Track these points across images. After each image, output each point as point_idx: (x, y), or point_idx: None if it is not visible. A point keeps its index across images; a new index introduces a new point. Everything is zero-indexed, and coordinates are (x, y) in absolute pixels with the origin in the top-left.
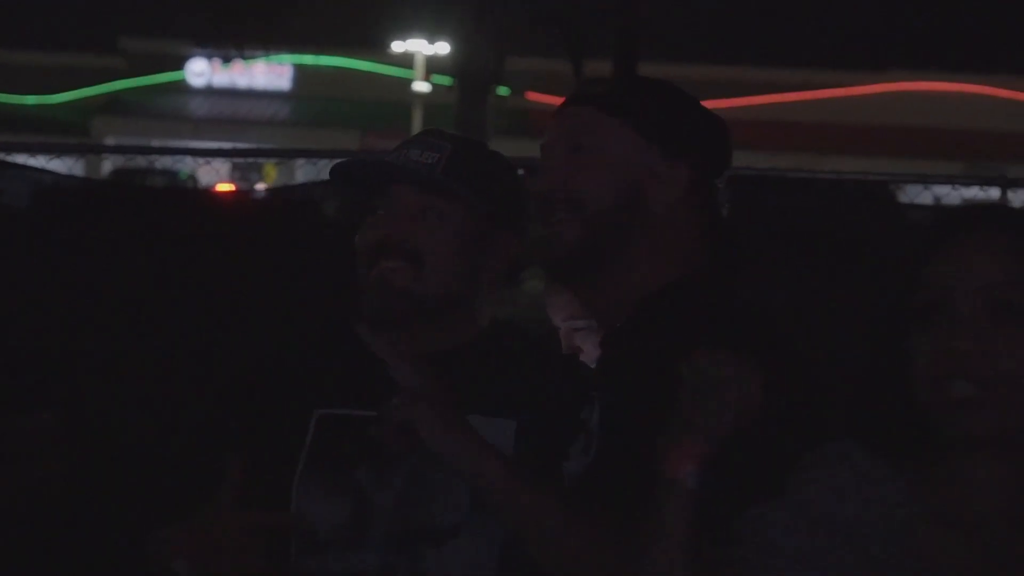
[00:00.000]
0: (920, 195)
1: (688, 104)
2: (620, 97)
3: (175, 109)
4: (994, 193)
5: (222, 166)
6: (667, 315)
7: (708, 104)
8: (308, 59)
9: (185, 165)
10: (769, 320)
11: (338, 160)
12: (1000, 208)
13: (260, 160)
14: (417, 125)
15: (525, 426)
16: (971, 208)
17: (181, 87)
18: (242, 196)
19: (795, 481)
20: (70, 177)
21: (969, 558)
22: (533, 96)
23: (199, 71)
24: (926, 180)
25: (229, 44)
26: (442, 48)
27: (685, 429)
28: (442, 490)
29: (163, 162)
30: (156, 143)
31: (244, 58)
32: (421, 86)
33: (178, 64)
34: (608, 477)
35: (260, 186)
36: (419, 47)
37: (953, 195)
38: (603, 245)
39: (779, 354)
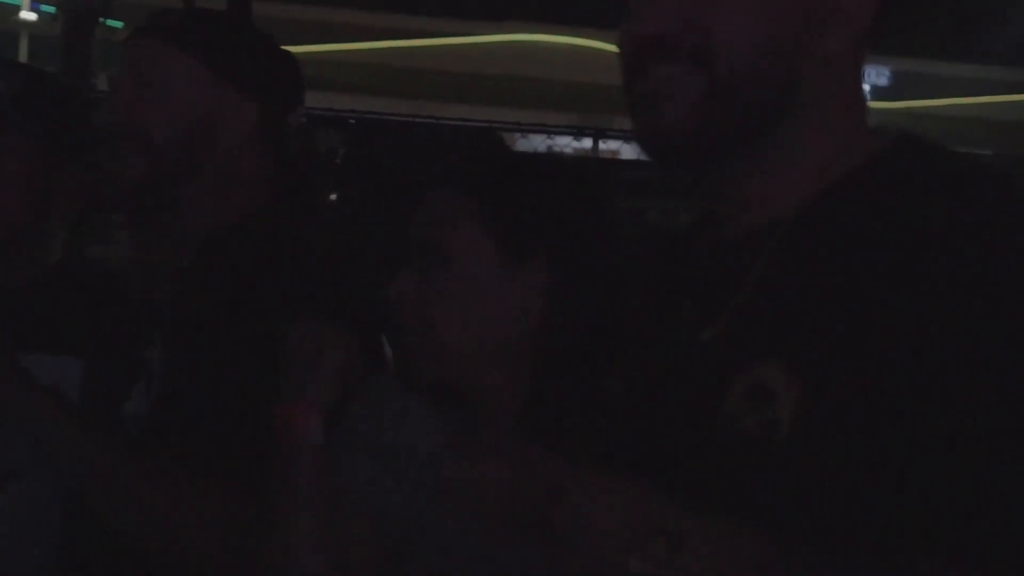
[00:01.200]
0: (542, 144)
1: (258, 41)
2: (188, 30)
3: None
4: (587, 143)
5: None
6: (231, 255)
7: (330, 48)
8: None
9: None
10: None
11: None
12: (462, 163)
13: None
14: (23, 55)
15: (92, 365)
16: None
17: None
18: None
19: (347, 412)
20: None
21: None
22: None
23: None
24: (521, 128)
25: None
26: None
27: (296, 391)
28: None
29: None
30: None
31: None
32: (28, 14)
33: None
34: (167, 419)
35: None
36: None
37: (572, 145)
38: (168, 181)
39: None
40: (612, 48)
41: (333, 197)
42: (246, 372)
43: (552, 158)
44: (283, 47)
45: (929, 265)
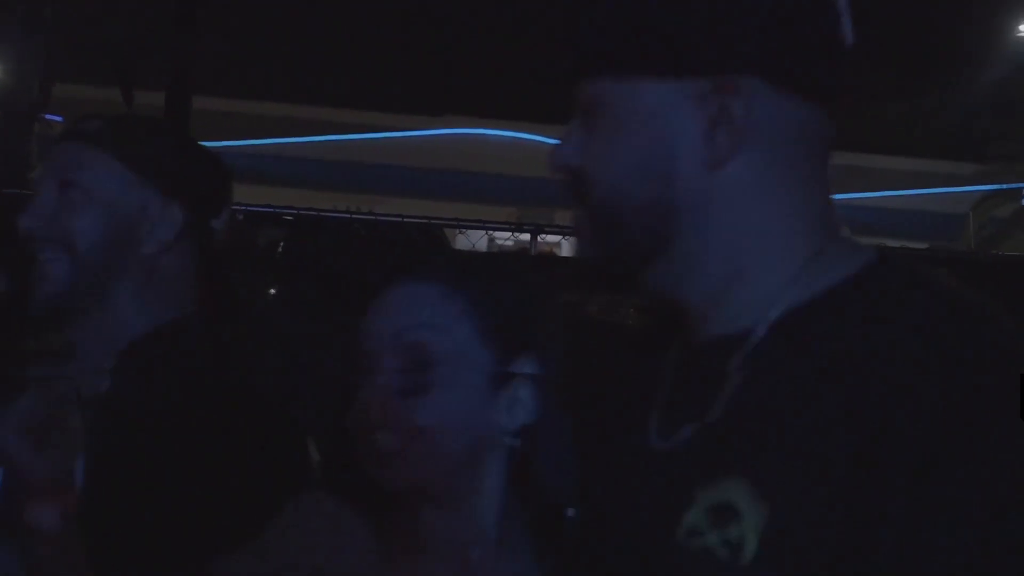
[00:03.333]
0: (480, 239)
1: (186, 145)
2: (114, 135)
3: None
4: (524, 238)
5: None
6: (155, 359)
7: (270, 142)
8: None
9: None
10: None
11: None
12: (423, 260)
13: None
14: None
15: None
16: (405, 261)
17: None
18: None
19: (270, 530)
20: None
21: None
22: None
23: None
24: (460, 224)
25: None
26: None
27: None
28: None
29: None
30: None
31: None
32: None
33: None
34: (89, 525)
35: None
36: None
37: (513, 239)
38: (91, 284)
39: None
40: (549, 142)
41: (272, 292)
42: (169, 478)
43: (511, 256)
44: (213, 145)
45: (902, 398)
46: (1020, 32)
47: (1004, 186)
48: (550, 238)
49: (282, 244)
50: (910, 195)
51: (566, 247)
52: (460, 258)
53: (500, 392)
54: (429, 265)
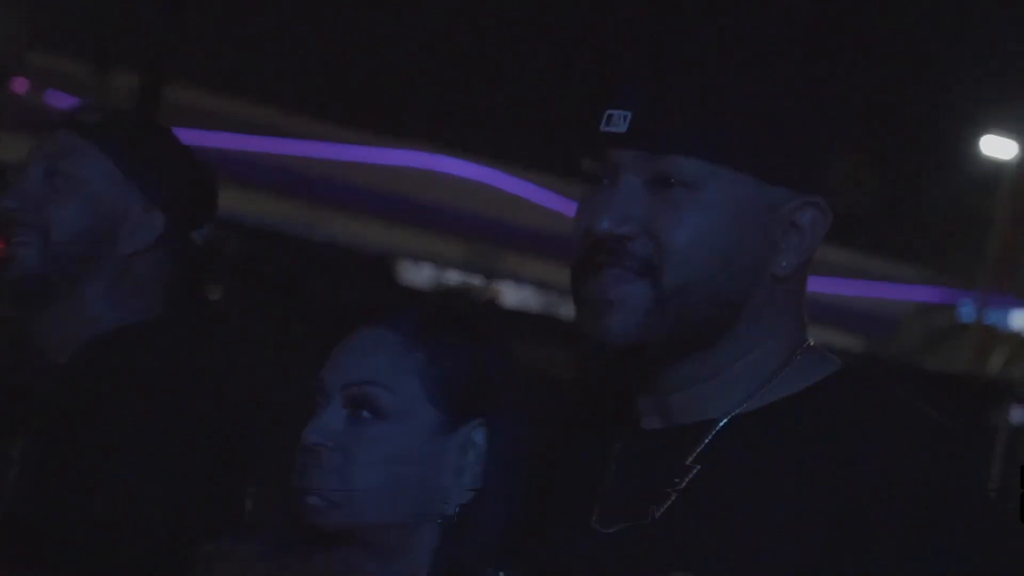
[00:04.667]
0: (430, 274)
1: (177, 151)
2: (109, 130)
3: None
4: (476, 280)
5: None
6: (115, 358)
7: (244, 142)
8: None
9: None
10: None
11: None
12: (393, 305)
13: None
14: None
15: None
16: (372, 305)
17: None
18: None
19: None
20: None
21: None
22: (54, 94)
23: None
24: (415, 257)
25: None
26: None
27: None
28: None
29: None
30: None
31: None
32: None
33: None
34: (28, 517)
35: None
36: None
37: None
38: (61, 275)
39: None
40: (515, 187)
41: (216, 296)
42: (120, 477)
43: (483, 309)
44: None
45: (858, 508)
46: (983, 146)
47: (944, 298)
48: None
49: (235, 247)
50: (849, 289)
51: (511, 295)
52: (424, 304)
53: (446, 453)
54: (392, 310)
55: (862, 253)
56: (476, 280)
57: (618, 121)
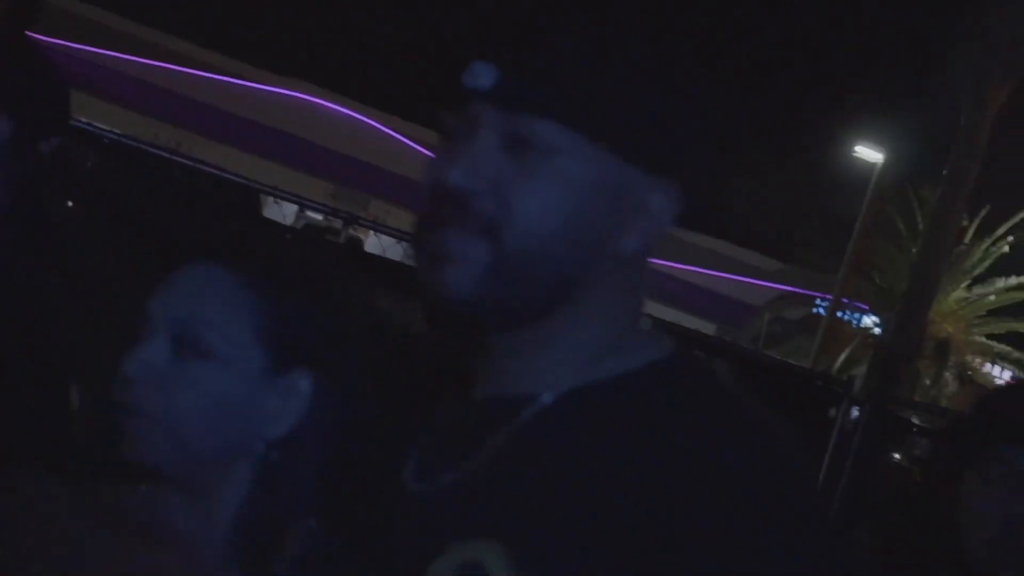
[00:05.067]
0: (292, 213)
1: (28, 56)
2: None
3: None
4: (337, 224)
5: None
6: None
7: (120, 58)
8: None
9: None
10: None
11: None
12: (236, 242)
13: None
14: None
15: None
16: (209, 233)
17: None
18: None
19: None
20: None
21: None
22: None
23: None
24: (276, 194)
25: None
26: None
27: None
28: None
29: None
30: None
31: None
32: None
33: None
34: None
35: None
36: None
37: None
38: None
39: None
40: (390, 134)
41: (70, 204)
42: None
43: (324, 251)
44: (52, 43)
45: (674, 491)
46: (856, 153)
47: (802, 291)
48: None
49: (91, 163)
50: (712, 275)
51: (374, 243)
52: (267, 242)
53: (268, 398)
54: (231, 248)
55: (728, 243)
56: (338, 224)
57: (482, 76)
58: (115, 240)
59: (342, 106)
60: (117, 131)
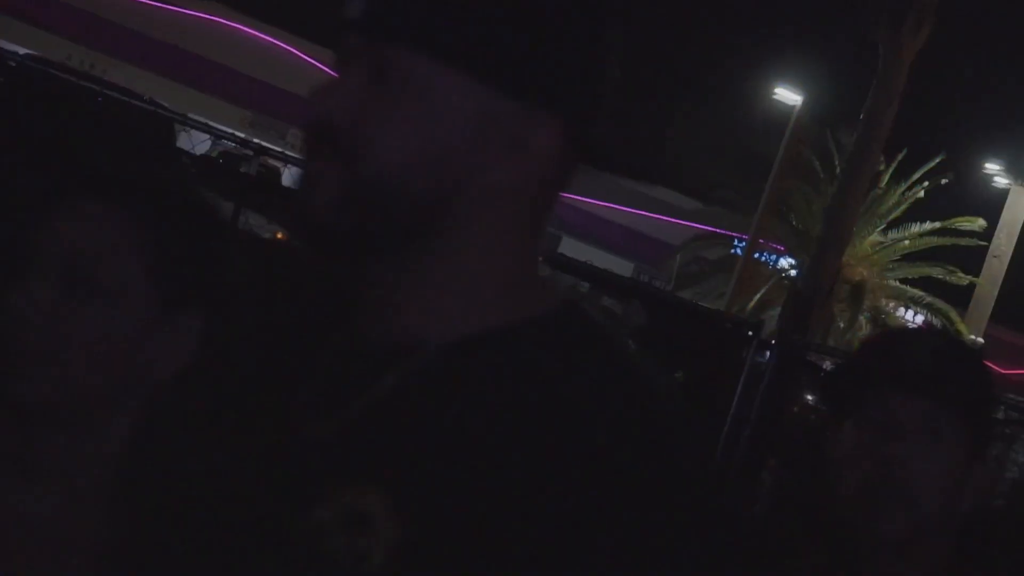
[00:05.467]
0: (203, 143)
1: None
2: None
3: None
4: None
5: None
6: None
7: None
8: None
9: None
10: None
11: None
12: (131, 173)
13: None
14: None
15: None
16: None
17: None
18: None
19: None
20: None
21: None
22: None
23: None
24: (186, 122)
25: None
26: None
27: None
28: None
29: None
30: None
31: None
32: None
33: None
34: None
35: None
36: None
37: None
38: None
39: None
40: (313, 59)
41: None
42: None
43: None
44: None
45: (557, 444)
46: (776, 95)
47: (720, 231)
48: (273, 161)
49: None
50: (629, 213)
51: (287, 175)
52: (165, 176)
53: (158, 336)
54: (123, 180)
55: (646, 183)
56: (250, 152)
57: (354, 6)
58: (8, 166)
59: (261, 32)
60: (27, 49)
